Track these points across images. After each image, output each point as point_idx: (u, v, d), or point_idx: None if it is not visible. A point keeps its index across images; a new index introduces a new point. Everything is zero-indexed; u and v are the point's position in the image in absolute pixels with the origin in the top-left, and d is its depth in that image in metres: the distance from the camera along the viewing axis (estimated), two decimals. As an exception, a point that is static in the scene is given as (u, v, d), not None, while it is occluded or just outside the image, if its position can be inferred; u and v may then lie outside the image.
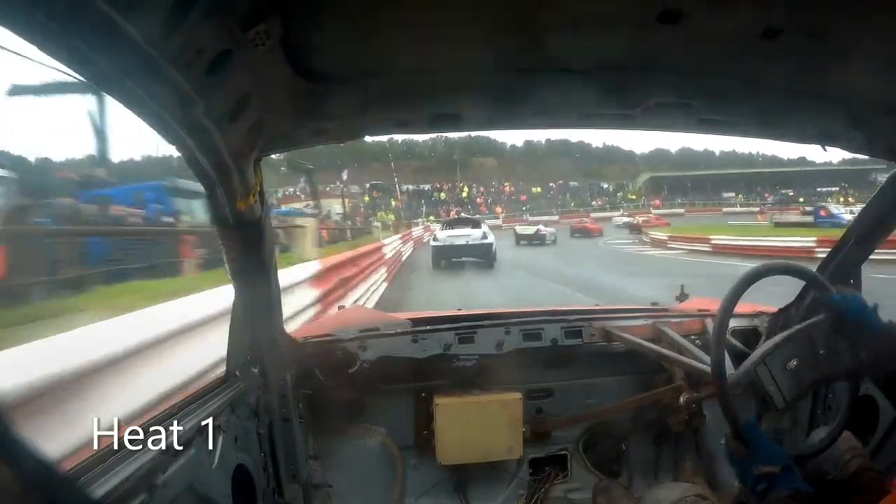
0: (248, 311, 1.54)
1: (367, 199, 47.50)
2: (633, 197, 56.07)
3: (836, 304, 1.26)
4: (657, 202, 54.49)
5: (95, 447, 1.01)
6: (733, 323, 1.43)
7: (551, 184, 55.08)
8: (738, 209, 50.61)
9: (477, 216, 24.18)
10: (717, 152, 62.36)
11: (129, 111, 0.86)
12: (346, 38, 1.02)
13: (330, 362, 1.88)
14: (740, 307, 1.36)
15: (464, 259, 16.77)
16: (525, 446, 1.99)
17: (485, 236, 17.28)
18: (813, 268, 1.60)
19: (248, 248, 1.40)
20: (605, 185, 57.90)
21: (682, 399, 1.81)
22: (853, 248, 1.71)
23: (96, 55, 0.71)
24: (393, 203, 47.10)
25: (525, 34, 1.04)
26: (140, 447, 1.04)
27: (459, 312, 2.45)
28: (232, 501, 1.33)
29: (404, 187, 50.30)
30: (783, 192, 55.53)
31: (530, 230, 27.65)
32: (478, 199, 51.03)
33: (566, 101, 1.38)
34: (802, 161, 57.55)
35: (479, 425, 1.93)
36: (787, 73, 1.14)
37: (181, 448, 1.13)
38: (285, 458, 1.70)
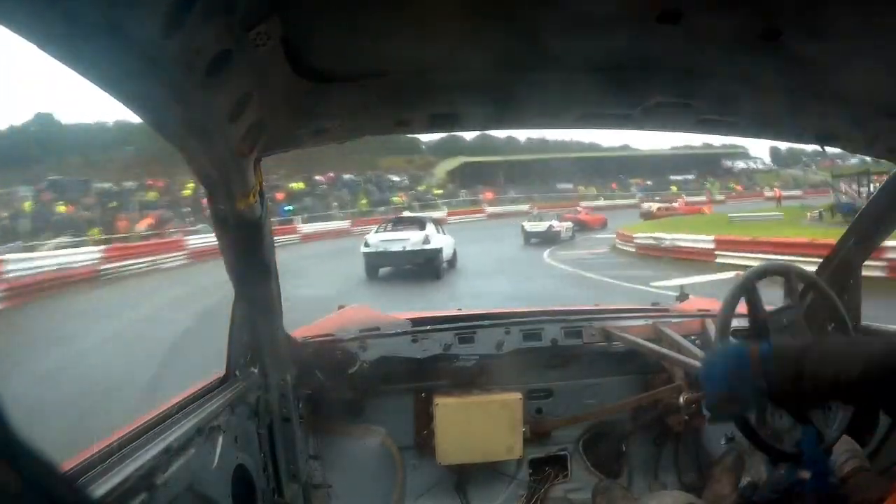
0: (249, 311, 1.54)
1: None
2: (439, 191, 42.04)
3: None
4: (489, 194, 41.56)
5: (95, 447, 1.01)
6: (733, 323, 1.43)
7: (318, 177, 38.45)
8: (603, 202, 41.14)
9: (422, 215, 18.33)
10: (523, 140, 50.96)
11: (129, 110, 0.86)
12: (346, 38, 1.02)
13: (330, 362, 1.88)
14: (741, 307, 1.36)
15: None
16: (525, 446, 1.99)
17: (427, 240, 13.62)
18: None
19: (248, 248, 1.40)
20: (397, 178, 42.80)
21: (682, 399, 1.81)
22: (853, 248, 1.71)
23: (96, 55, 0.71)
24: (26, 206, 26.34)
25: (525, 34, 1.04)
26: (140, 447, 1.04)
27: (459, 312, 2.45)
28: (232, 501, 1.33)
29: (98, 185, 31.68)
30: (632, 181, 48.25)
31: (541, 226, 23.01)
32: (203, 199, 20.64)
33: (566, 100, 1.38)
34: (626, 147, 52.36)
35: (479, 425, 1.94)
36: (787, 73, 1.14)
37: (181, 448, 1.13)
38: (285, 458, 1.70)
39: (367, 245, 13.91)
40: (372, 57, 1.10)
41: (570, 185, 46.85)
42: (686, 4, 0.92)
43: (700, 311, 2.15)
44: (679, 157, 50.87)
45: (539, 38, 1.05)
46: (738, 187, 49.64)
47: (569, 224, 24.60)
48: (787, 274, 1.47)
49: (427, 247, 13.55)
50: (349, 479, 1.94)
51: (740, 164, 58.39)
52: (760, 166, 60.18)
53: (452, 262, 14.87)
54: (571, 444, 2.10)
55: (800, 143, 1.60)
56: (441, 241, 14.23)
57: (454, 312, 2.45)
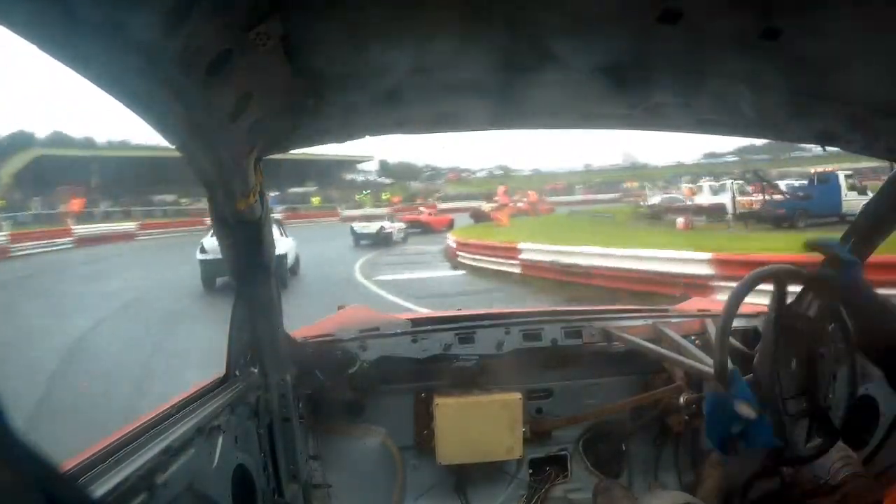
0: (248, 311, 1.54)
1: None
2: (1, 201, 27.17)
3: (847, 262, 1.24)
4: (75, 203, 27.62)
5: (95, 447, 1.01)
6: (734, 323, 1.43)
7: None
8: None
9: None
10: (102, 140, 34.85)
11: (129, 110, 0.87)
12: (347, 39, 1.02)
13: (330, 362, 1.87)
14: (741, 307, 1.36)
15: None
16: (525, 446, 1.99)
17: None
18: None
19: (248, 248, 1.40)
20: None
21: (682, 399, 1.81)
22: (853, 247, 1.71)
23: (96, 55, 0.71)
24: None
25: (525, 34, 1.04)
26: (140, 447, 1.04)
27: (459, 312, 2.45)
28: (232, 501, 1.33)
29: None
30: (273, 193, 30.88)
31: (372, 227, 21.52)
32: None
33: (566, 101, 1.38)
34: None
35: (479, 425, 1.93)
36: (787, 73, 1.14)
37: (181, 448, 1.13)
38: (285, 458, 1.70)
39: (203, 251, 11.72)
40: (372, 57, 1.10)
41: (170, 197, 31.70)
42: (686, 4, 0.92)
43: (700, 311, 2.14)
44: (284, 163, 34.19)
45: (539, 38, 1.05)
46: (395, 199, 42.46)
47: (402, 225, 23.14)
48: (790, 276, 1.47)
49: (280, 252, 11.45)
50: (349, 479, 1.94)
51: (360, 177, 51.80)
52: (378, 178, 54.42)
53: (294, 268, 13.15)
54: (571, 444, 2.10)
55: (800, 142, 1.60)
56: (283, 245, 11.88)
57: (454, 312, 2.45)
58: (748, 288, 1.32)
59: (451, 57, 1.11)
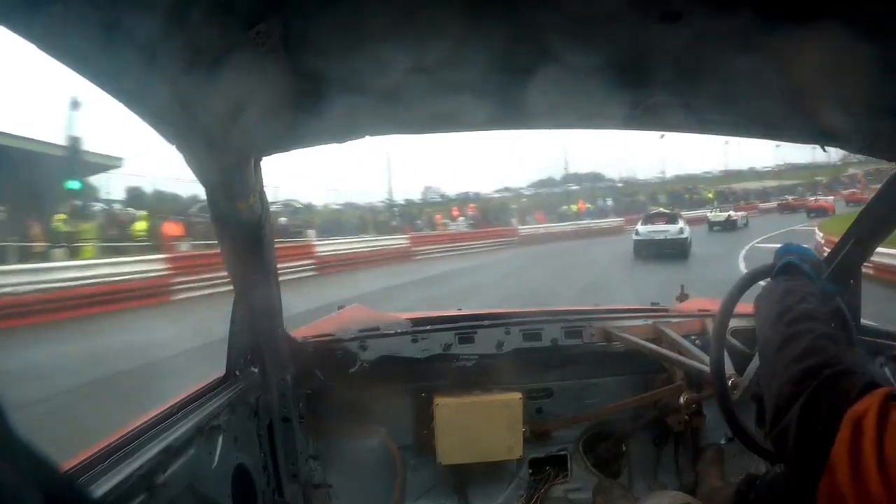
0: (248, 311, 1.54)
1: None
2: None
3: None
4: None
5: (95, 447, 1.01)
6: (733, 322, 1.43)
7: None
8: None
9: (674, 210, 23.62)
10: None
11: (129, 111, 0.86)
12: (346, 38, 1.02)
13: (330, 362, 1.88)
14: (741, 307, 1.36)
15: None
16: (525, 446, 1.99)
17: (681, 231, 18.30)
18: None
19: (248, 248, 1.40)
20: None
21: (682, 399, 1.81)
22: (853, 247, 1.71)
23: (96, 55, 0.71)
24: None
25: (525, 34, 1.04)
26: (140, 447, 1.04)
27: (459, 312, 2.44)
28: (232, 501, 1.33)
29: None
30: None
31: (722, 216, 28.78)
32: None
33: (566, 100, 1.37)
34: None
35: (479, 425, 1.93)
36: (788, 73, 1.14)
37: (181, 448, 1.13)
38: (285, 458, 1.70)
39: (637, 234, 18.75)
40: (372, 57, 1.09)
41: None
42: (686, 4, 0.92)
43: (700, 311, 2.14)
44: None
45: (539, 38, 1.05)
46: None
47: (743, 213, 30.16)
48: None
49: (681, 236, 18.13)
50: (349, 479, 1.94)
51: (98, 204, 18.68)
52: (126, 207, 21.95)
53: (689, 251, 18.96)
54: (571, 444, 2.10)
55: (800, 143, 1.60)
56: (688, 231, 18.75)
57: (454, 312, 2.45)
58: (747, 285, 1.32)
59: (451, 57, 1.11)
